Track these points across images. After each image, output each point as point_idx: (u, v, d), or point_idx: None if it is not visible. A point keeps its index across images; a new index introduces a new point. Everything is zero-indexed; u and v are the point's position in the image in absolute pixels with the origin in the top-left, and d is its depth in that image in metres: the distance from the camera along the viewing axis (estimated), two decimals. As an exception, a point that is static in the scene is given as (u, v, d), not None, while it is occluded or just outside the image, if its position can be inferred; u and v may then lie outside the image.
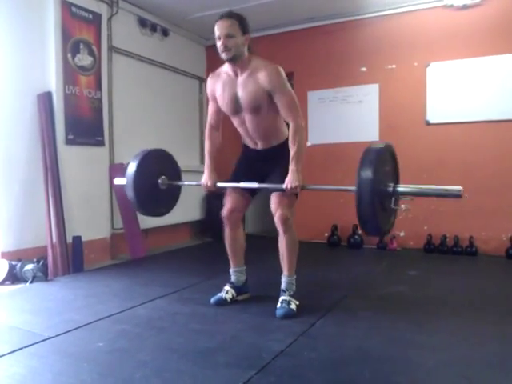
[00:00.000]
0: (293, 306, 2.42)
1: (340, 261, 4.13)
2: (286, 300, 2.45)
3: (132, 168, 2.58)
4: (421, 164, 4.36)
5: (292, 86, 5.15)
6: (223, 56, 2.33)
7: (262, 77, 2.32)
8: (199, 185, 2.62)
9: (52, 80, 3.61)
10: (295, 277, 2.53)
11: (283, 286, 2.51)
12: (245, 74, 2.37)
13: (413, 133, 4.43)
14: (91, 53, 3.91)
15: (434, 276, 3.41)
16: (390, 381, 1.71)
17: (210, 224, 5.21)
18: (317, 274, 3.38)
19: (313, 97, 4.96)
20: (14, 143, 3.43)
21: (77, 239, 3.65)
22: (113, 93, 4.24)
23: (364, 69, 4.71)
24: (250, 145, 2.59)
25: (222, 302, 2.61)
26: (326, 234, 4.78)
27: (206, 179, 2.58)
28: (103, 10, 4.05)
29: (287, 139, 2.41)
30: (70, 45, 3.71)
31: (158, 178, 2.68)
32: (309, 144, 4.97)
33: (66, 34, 3.66)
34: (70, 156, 3.72)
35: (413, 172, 4.43)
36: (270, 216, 2.48)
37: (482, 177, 4.14)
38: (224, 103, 2.46)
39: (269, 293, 2.71)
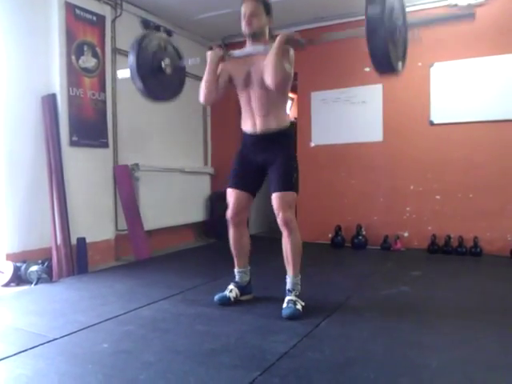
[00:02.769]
0: (299, 307, 2.42)
1: (344, 261, 4.13)
2: (292, 300, 2.45)
3: (133, 55, 2.54)
4: (425, 164, 4.36)
5: (295, 86, 5.20)
6: (245, 31, 2.51)
7: None
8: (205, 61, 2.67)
9: (56, 82, 3.63)
10: (300, 277, 2.53)
11: (289, 286, 2.51)
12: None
13: (417, 133, 4.42)
14: (95, 54, 3.93)
15: (438, 277, 3.40)
16: (394, 382, 1.71)
17: (213, 225, 5.22)
18: (321, 275, 3.38)
19: (316, 97, 4.95)
20: (19, 145, 3.45)
21: (81, 241, 3.66)
22: (117, 94, 4.25)
23: (368, 69, 4.69)
24: (249, 127, 2.60)
25: (225, 301, 2.62)
26: (330, 235, 4.77)
27: (213, 51, 2.62)
28: (107, 11, 4.07)
29: (286, 129, 2.56)
30: (74, 47, 3.73)
31: (161, 61, 2.67)
32: (312, 145, 4.98)
33: (70, 36, 3.68)
34: (74, 157, 3.73)
35: (417, 172, 4.44)
36: (275, 218, 2.51)
37: (487, 176, 4.12)
38: (238, 76, 2.60)
39: (272, 294, 2.72)
